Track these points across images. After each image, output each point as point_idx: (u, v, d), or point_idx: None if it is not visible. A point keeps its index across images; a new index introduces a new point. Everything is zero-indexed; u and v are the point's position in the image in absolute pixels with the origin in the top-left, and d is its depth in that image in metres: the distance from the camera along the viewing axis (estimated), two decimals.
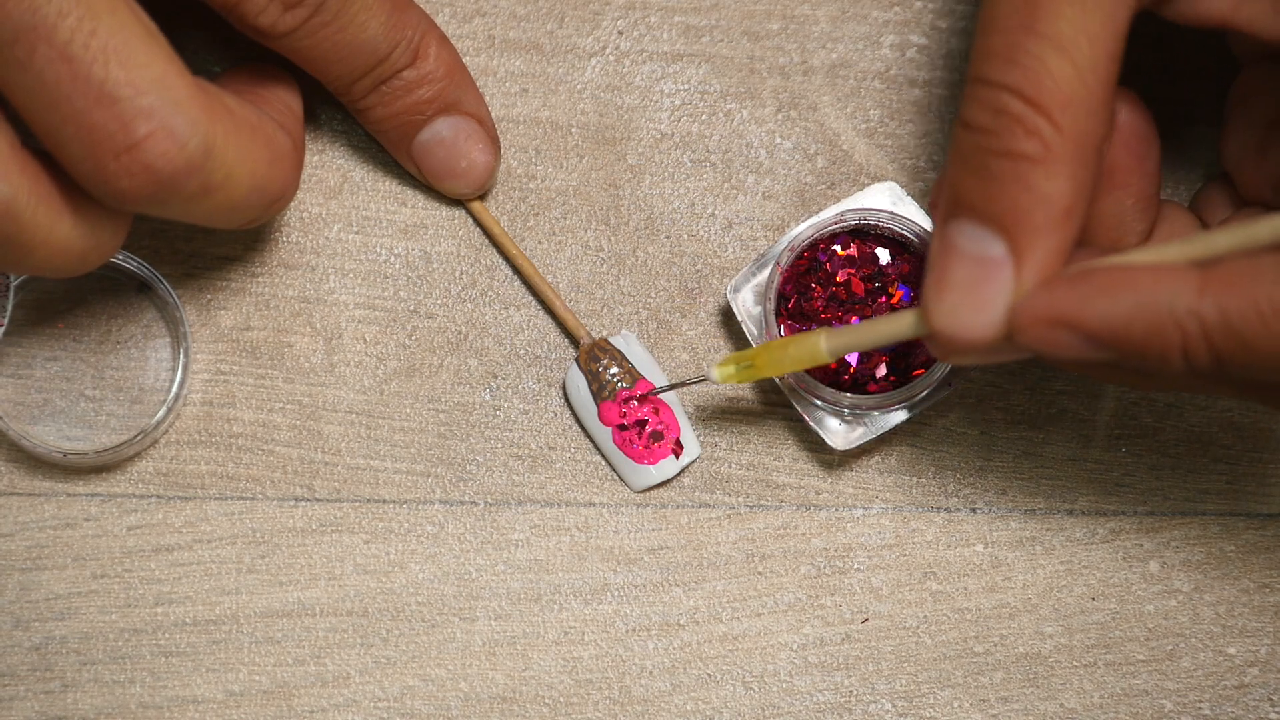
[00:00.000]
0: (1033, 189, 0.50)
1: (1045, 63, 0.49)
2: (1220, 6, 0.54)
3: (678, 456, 0.62)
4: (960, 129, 0.51)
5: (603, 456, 0.63)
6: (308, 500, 0.62)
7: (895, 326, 0.54)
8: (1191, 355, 0.49)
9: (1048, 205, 0.50)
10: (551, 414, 0.63)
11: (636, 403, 0.62)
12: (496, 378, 0.63)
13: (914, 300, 0.61)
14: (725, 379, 0.58)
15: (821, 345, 0.56)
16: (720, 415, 0.63)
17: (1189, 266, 0.49)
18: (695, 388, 0.63)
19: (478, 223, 0.64)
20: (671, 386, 0.62)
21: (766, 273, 0.61)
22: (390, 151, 0.63)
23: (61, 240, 0.52)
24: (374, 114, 0.61)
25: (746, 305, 0.62)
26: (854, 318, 0.61)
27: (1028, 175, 0.50)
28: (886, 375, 0.61)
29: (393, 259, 0.63)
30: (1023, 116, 0.49)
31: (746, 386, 0.63)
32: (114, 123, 0.49)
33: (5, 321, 0.59)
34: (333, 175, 0.64)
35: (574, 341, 0.63)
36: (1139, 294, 0.49)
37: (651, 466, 0.62)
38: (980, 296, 0.51)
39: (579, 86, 0.64)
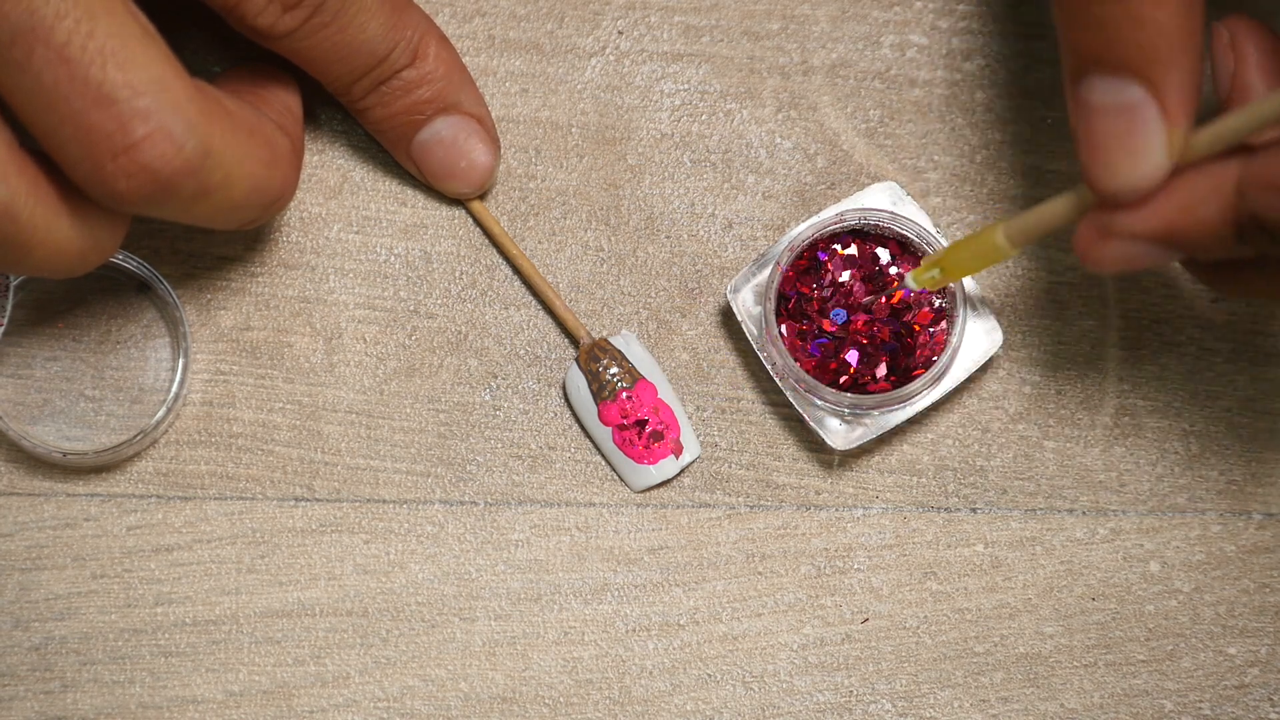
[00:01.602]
0: (1147, 22, 0.49)
1: None
2: None
3: (678, 456, 0.62)
4: None
5: (603, 456, 0.63)
6: (308, 500, 0.62)
7: (1063, 205, 0.54)
8: None
9: (1167, 34, 0.49)
10: (551, 414, 0.63)
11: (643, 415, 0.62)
12: (496, 378, 0.63)
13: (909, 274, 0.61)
14: (921, 284, 0.59)
15: (999, 236, 0.56)
16: (720, 415, 0.63)
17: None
18: (695, 387, 0.63)
19: (478, 223, 0.64)
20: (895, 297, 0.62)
21: (766, 273, 0.61)
22: (390, 151, 0.63)
23: (60, 241, 0.52)
24: (374, 114, 0.61)
25: (746, 305, 0.62)
26: (861, 315, 0.61)
27: (1137, 10, 0.49)
28: (886, 375, 0.61)
29: (393, 259, 0.63)
30: None
31: (746, 386, 0.63)
32: (112, 124, 0.49)
33: (5, 321, 0.59)
34: (333, 175, 0.64)
35: (574, 341, 0.63)
36: None
37: (651, 466, 0.62)
38: (1134, 143, 0.50)
39: (579, 86, 0.64)
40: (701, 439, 0.63)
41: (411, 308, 0.63)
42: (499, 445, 0.63)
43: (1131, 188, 0.51)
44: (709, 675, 0.62)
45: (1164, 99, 0.50)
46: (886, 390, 0.61)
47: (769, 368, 0.61)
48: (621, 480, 0.63)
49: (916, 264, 0.61)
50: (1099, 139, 0.51)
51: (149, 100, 0.49)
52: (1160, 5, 0.49)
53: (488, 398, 0.63)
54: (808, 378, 0.60)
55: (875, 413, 0.61)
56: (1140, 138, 0.50)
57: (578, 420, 0.63)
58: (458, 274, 0.63)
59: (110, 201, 0.51)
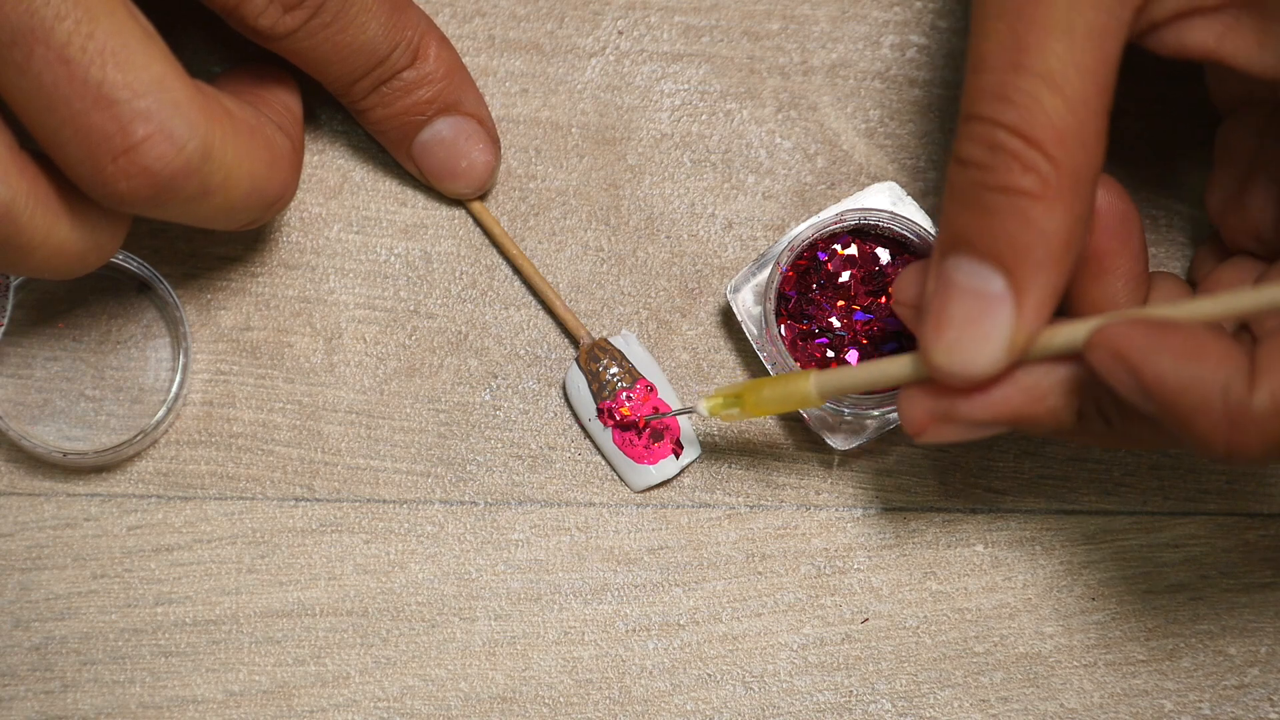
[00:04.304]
0: (1031, 224, 0.49)
1: (1038, 99, 0.49)
2: (1205, 38, 0.53)
3: (678, 456, 0.62)
4: (955, 166, 0.51)
5: (603, 456, 0.63)
6: (308, 500, 0.62)
7: (889, 369, 0.54)
8: (1235, 446, 0.49)
9: (1046, 240, 0.49)
10: (551, 414, 0.63)
11: (628, 410, 0.62)
12: (496, 378, 0.63)
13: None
14: (713, 412, 0.58)
15: (810, 386, 0.56)
16: None
17: (1240, 347, 0.49)
18: (695, 387, 0.63)
19: (478, 223, 0.64)
20: (659, 415, 0.62)
21: (766, 273, 0.61)
22: (390, 152, 0.63)
23: (60, 242, 0.52)
24: (374, 115, 0.61)
25: (746, 305, 0.62)
26: (857, 308, 0.61)
27: (1026, 210, 0.49)
28: None
29: (393, 259, 0.63)
30: (1019, 152, 0.49)
31: None
32: (112, 125, 0.49)
33: (5, 321, 0.59)
34: (333, 175, 0.64)
35: (574, 341, 0.63)
36: (1200, 367, 0.48)
37: (651, 466, 0.62)
38: (980, 332, 0.50)
39: (579, 86, 0.64)
40: (701, 439, 0.63)
41: (411, 308, 0.63)
42: (499, 445, 0.63)
43: (964, 373, 0.51)
44: (709, 675, 0.62)
45: (1023, 299, 0.50)
46: (886, 391, 0.61)
47: (769, 368, 0.61)
48: (621, 480, 0.63)
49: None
50: (948, 318, 0.51)
51: (149, 101, 0.49)
52: (1049, 212, 0.49)
53: (488, 398, 0.63)
54: None
55: (875, 413, 0.61)
56: (987, 328, 0.50)
57: (578, 420, 0.63)
58: (458, 274, 0.63)
59: (111, 202, 0.51)
